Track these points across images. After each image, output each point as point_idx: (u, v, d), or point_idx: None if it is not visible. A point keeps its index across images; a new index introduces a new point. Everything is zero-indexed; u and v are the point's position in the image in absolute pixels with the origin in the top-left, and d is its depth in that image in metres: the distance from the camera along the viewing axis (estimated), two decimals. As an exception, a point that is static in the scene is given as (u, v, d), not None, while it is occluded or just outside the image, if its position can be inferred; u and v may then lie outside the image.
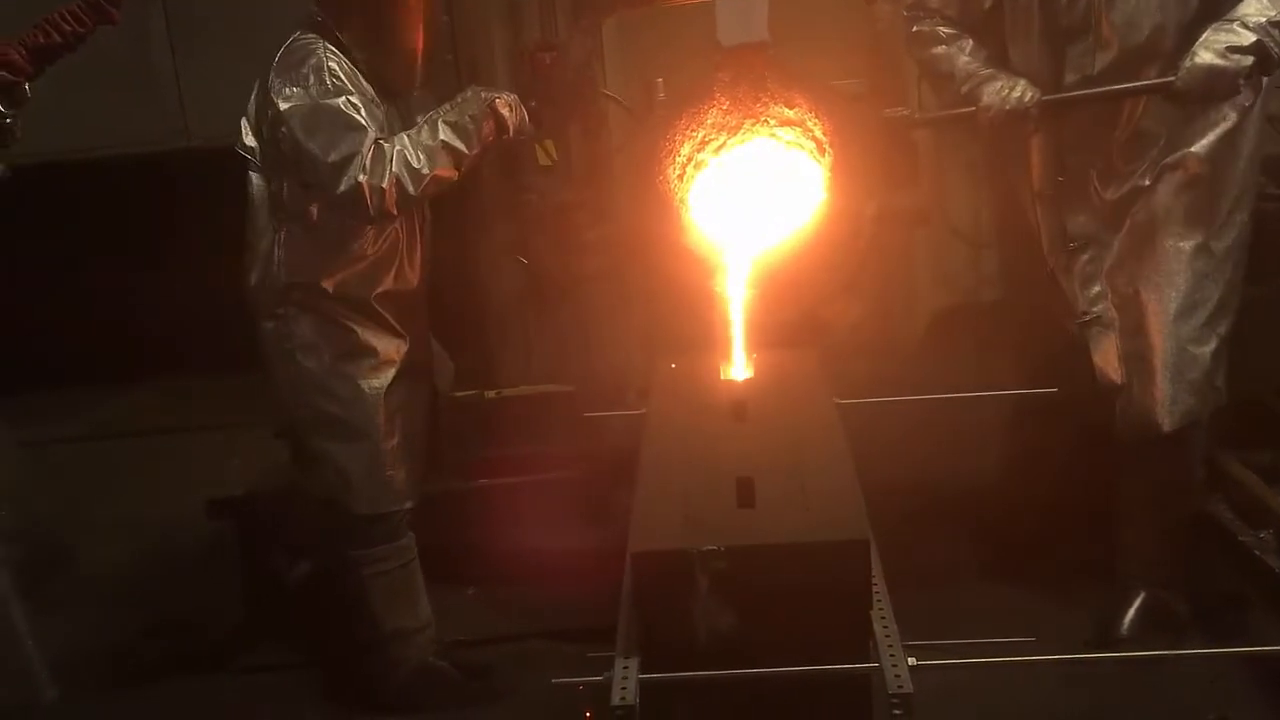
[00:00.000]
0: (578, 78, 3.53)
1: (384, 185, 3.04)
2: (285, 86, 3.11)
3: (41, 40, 2.68)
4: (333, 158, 3.04)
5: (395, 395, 3.41)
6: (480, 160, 3.29)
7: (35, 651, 2.81)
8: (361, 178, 3.03)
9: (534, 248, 3.88)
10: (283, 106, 3.10)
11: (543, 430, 4.11)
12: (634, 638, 2.35)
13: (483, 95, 3.24)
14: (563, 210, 3.70)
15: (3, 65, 2.66)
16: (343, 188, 3.05)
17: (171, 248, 6.00)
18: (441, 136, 3.14)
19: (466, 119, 3.18)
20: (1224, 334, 3.34)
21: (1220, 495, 3.76)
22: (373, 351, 3.38)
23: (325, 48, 3.16)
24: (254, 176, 3.31)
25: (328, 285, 3.30)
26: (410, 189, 3.08)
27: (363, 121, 3.07)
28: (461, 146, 3.16)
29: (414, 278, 3.45)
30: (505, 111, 3.24)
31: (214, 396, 6.36)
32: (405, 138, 3.13)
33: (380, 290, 3.36)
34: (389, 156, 3.06)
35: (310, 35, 3.20)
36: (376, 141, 3.07)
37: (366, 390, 3.37)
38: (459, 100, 3.23)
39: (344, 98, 3.08)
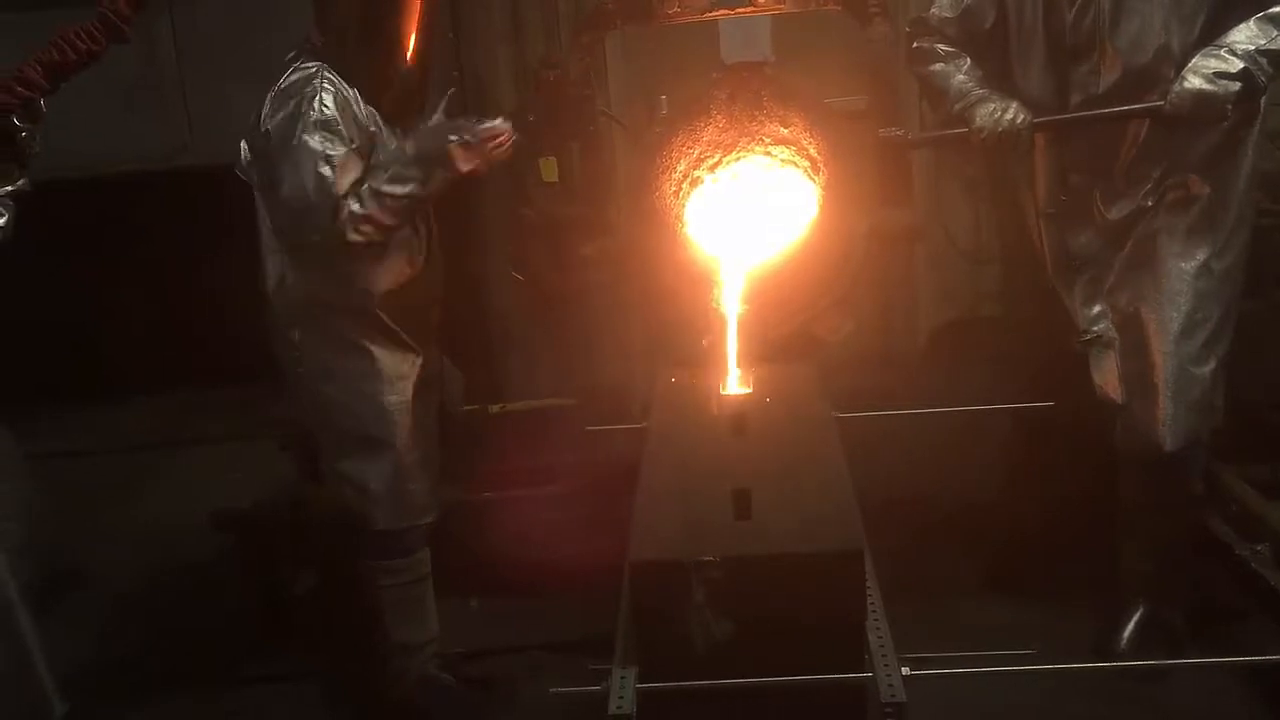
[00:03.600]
0: (576, 94, 3.56)
1: (343, 236, 3.11)
2: (275, 115, 3.12)
3: (56, 57, 2.72)
4: (296, 207, 3.10)
5: (414, 408, 3.43)
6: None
7: (44, 665, 2.82)
8: (316, 238, 3.11)
9: (531, 263, 3.91)
10: (271, 135, 3.12)
11: (546, 444, 4.14)
12: (632, 647, 2.37)
13: (448, 138, 3.17)
14: (558, 226, 3.73)
15: (20, 82, 2.70)
16: (298, 238, 3.15)
17: (178, 263, 6.05)
18: (385, 189, 3.13)
19: (412, 170, 3.16)
20: (1222, 353, 3.36)
21: (1217, 509, 3.77)
22: (389, 367, 3.38)
23: (323, 77, 3.14)
24: (258, 200, 3.33)
25: (340, 303, 3.32)
26: (369, 231, 3.13)
27: (332, 180, 3.07)
28: (412, 191, 3.16)
29: (424, 292, 3.47)
30: (460, 160, 3.17)
31: (220, 409, 6.39)
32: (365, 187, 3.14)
33: (393, 305, 3.37)
34: (343, 212, 3.09)
35: (311, 64, 3.18)
36: (338, 201, 3.09)
37: (386, 406, 3.38)
38: (424, 136, 3.22)
39: (324, 147, 3.08)
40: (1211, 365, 3.35)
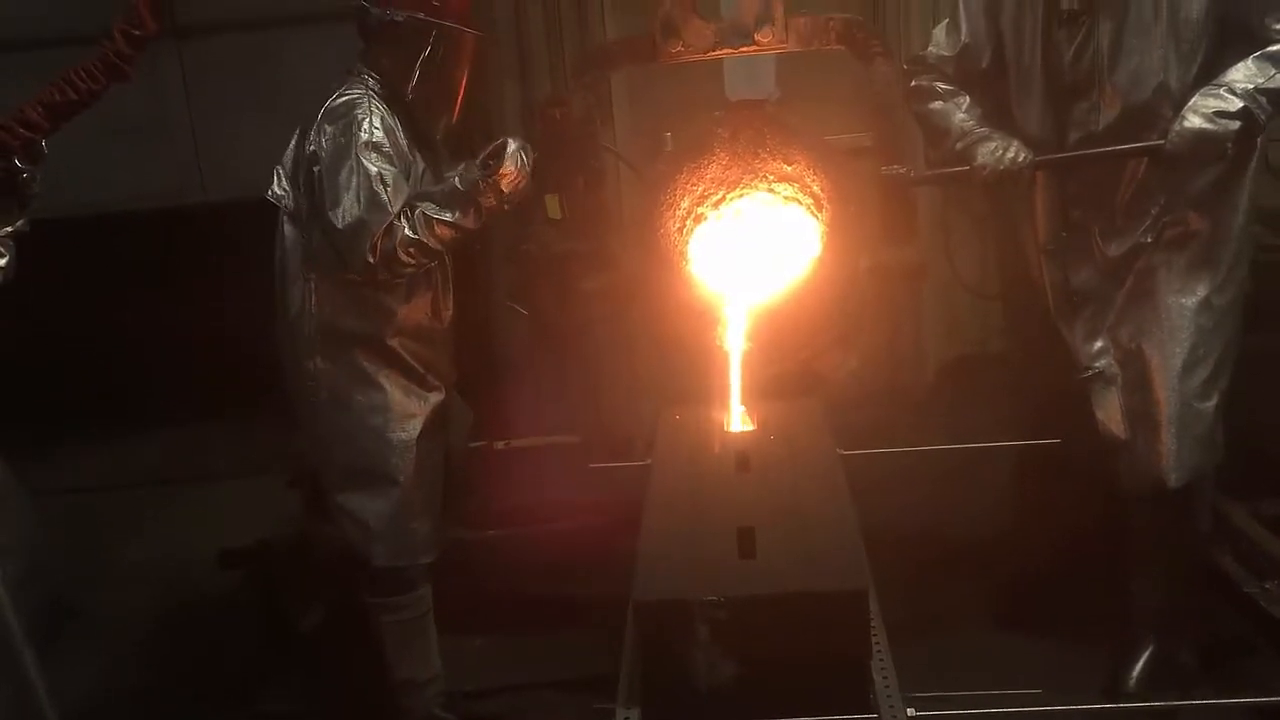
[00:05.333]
0: (580, 132, 3.58)
1: (394, 257, 3.16)
2: (326, 136, 3.20)
3: (58, 97, 2.74)
4: (349, 225, 3.14)
5: (421, 447, 3.43)
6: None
7: (48, 700, 2.82)
8: (370, 259, 3.14)
9: (535, 298, 3.93)
10: (321, 155, 3.19)
11: (550, 481, 4.13)
12: (636, 687, 2.36)
13: (478, 183, 3.24)
14: (561, 260, 3.74)
15: (20, 123, 2.72)
16: (350, 258, 3.17)
17: (187, 300, 6.06)
18: (435, 215, 3.20)
19: (459, 200, 3.24)
20: (1224, 388, 3.37)
21: (1226, 546, 3.75)
22: (401, 403, 3.40)
23: (371, 101, 3.23)
24: (286, 225, 3.36)
25: (357, 335, 3.34)
26: (416, 255, 3.18)
27: (386, 200, 3.15)
28: (459, 220, 3.23)
29: (442, 330, 3.50)
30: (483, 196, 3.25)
31: (227, 445, 6.40)
32: (417, 213, 3.21)
33: (410, 341, 3.40)
34: (396, 231, 3.15)
35: (358, 89, 3.27)
36: (390, 224, 3.15)
37: (394, 442, 3.39)
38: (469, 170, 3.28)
39: (379, 168, 3.16)
40: (1214, 400, 3.36)
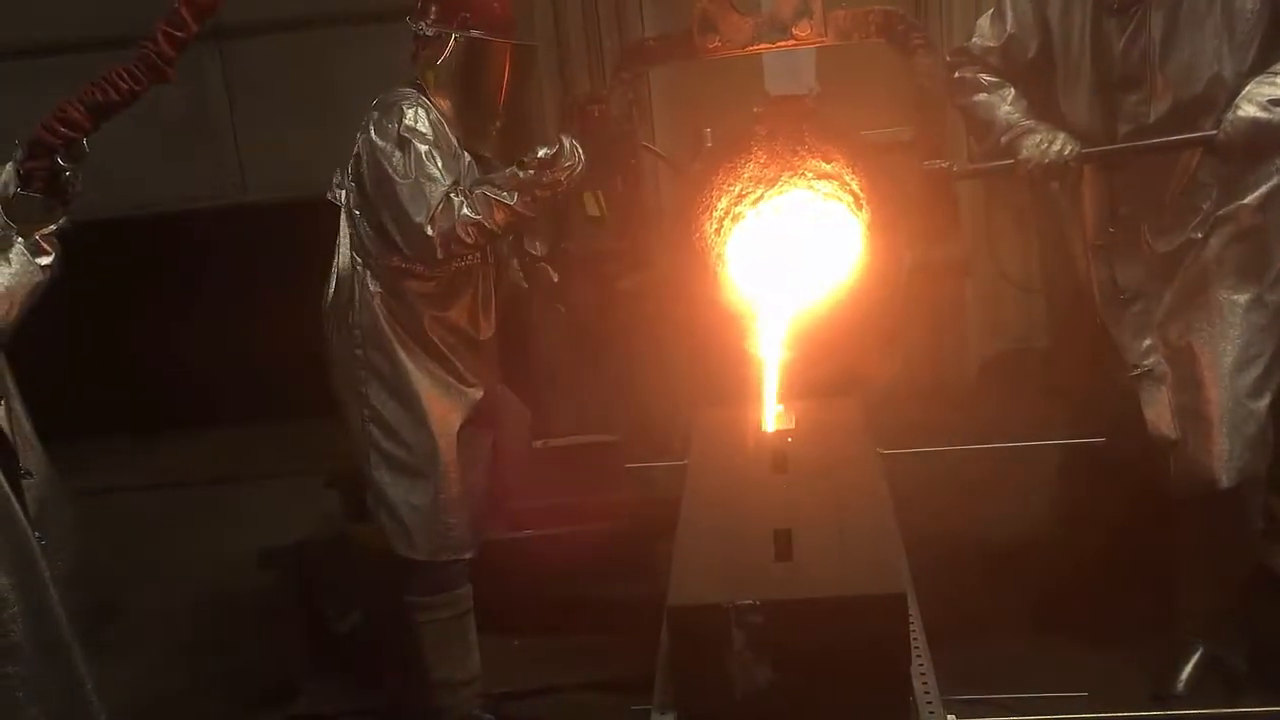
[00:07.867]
0: (618, 129, 3.57)
1: (453, 235, 3.16)
2: (373, 122, 3.25)
3: (99, 97, 2.76)
4: (403, 198, 3.17)
5: (461, 443, 3.45)
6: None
7: (97, 698, 2.84)
8: (429, 231, 3.14)
9: (572, 296, 3.92)
10: (372, 140, 3.23)
11: (588, 480, 4.11)
12: (671, 690, 2.34)
13: (537, 174, 3.28)
14: (599, 259, 3.74)
15: (63, 122, 2.74)
16: (407, 233, 3.18)
17: (228, 300, 6.11)
18: (492, 195, 3.21)
19: (513, 184, 3.26)
20: (1275, 386, 3.30)
21: (1276, 546, 3.67)
22: (442, 397, 3.42)
23: (419, 98, 3.29)
24: (342, 220, 3.41)
25: (403, 327, 3.37)
26: (475, 234, 3.19)
27: (439, 173, 3.19)
28: (515, 202, 3.25)
29: (487, 327, 3.51)
30: (545, 191, 3.29)
31: (267, 446, 6.44)
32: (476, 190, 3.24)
33: (455, 338, 3.43)
34: (455, 206, 3.17)
35: (410, 89, 3.33)
36: (447, 195, 3.18)
37: (435, 436, 3.41)
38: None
39: (427, 147, 3.20)
40: (1267, 399, 3.29)
